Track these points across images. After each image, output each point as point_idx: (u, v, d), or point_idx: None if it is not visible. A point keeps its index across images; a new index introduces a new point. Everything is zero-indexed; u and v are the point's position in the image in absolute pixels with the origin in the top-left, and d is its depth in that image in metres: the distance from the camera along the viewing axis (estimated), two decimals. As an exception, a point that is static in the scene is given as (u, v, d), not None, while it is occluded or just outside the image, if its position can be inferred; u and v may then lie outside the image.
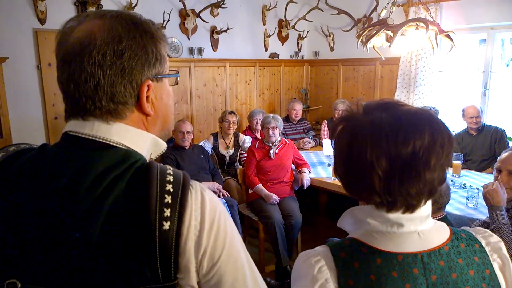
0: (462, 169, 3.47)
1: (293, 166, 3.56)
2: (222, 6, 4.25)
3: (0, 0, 2.95)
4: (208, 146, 3.92)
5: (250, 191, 3.45)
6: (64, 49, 0.65)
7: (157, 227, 0.59)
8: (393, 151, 0.70)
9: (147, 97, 0.67)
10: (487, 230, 0.85)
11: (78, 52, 0.63)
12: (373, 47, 3.35)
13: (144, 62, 0.66)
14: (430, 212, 0.79)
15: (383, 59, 3.66)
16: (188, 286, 0.63)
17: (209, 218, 0.63)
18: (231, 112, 4.00)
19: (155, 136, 0.72)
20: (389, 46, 3.10)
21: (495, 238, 0.82)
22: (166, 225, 0.60)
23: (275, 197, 3.26)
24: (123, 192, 0.60)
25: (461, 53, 4.40)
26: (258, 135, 4.27)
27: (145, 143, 0.69)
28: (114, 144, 0.65)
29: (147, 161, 0.66)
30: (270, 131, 3.37)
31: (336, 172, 0.82)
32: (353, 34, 4.71)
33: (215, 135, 4.04)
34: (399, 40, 3.25)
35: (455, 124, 4.13)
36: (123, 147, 0.65)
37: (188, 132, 3.45)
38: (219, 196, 3.26)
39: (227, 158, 3.98)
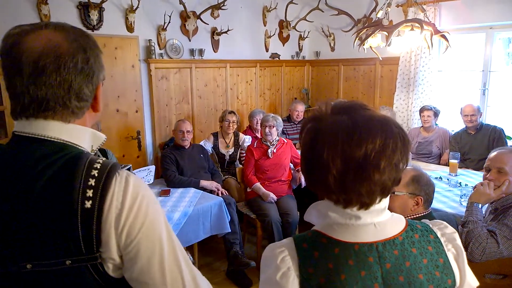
0: (460, 168, 3.50)
1: (291, 165, 3.61)
2: (222, 8, 4.31)
3: (4, 4, 3.04)
4: (208, 146, 3.99)
5: (248, 189, 3.51)
6: (29, 56, 0.72)
7: (79, 205, 0.69)
8: (348, 152, 0.75)
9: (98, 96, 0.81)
10: (444, 222, 0.89)
11: (52, 60, 0.72)
12: (370, 47, 3.39)
13: (99, 67, 0.80)
14: (387, 205, 0.84)
15: (380, 59, 3.69)
16: (110, 259, 0.73)
17: (130, 199, 0.73)
18: (231, 112, 4.06)
19: (93, 129, 0.82)
20: (386, 46, 3.13)
21: (450, 229, 0.87)
22: (88, 204, 0.69)
23: (272, 196, 3.32)
24: (52, 177, 0.71)
25: (461, 52, 4.41)
26: (259, 135, 4.32)
27: (84, 136, 0.80)
28: (51, 139, 0.75)
29: (83, 153, 0.76)
30: (267, 129, 3.43)
31: (301, 168, 0.87)
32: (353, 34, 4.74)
33: (215, 135, 4.11)
34: (396, 40, 3.29)
35: (455, 123, 4.15)
36: (60, 141, 0.76)
37: (188, 131, 3.52)
38: (217, 194, 3.32)
39: (227, 157, 4.05)
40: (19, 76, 0.73)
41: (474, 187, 2.01)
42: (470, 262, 1.80)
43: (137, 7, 3.66)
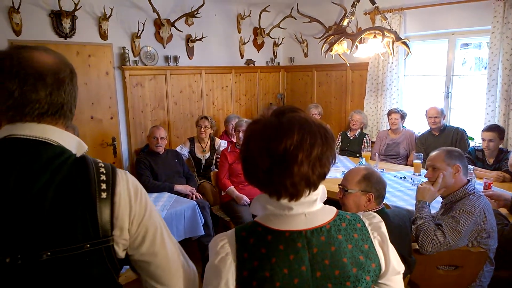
0: (424, 167, 3.67)
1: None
2: (196, 15, 4.39)
3: (-25, 13, 3.05)
4: (185, 150, 4.05)
5: (223, 193, 3.58)
6: (33, 69, 0.83)
7: (97, 196, 0.83)
8: (272, 148, 0.85)
9: None
10: (372, 213, 0.99)
11: (68, 74, 0.88)
12: (338, 54, 3.54)
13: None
14: (319, 197, 0.93)
15: (348, 65, 3.84)
16: (123, 240, 0.87)
17: (133, 191, 0.90)
18: (204, 117, 4.14)
19: (79, 139, 0.94)
20: (350, 53, 3.28)
21: (377, 218, 0.97)
22: (104, 195, 0.84)
23: (245, 199, 3.40)
24: (68, 174, 0.83)
25: (426, 58, 4.61)
26: (235, 140, 4.40)
27: (73, 143, 0.91)
28: (51, 142, 0.86)
29: (84, 155, 0.89)
30: (241, 134, 3.53)
31: (241, 167, 0.97)
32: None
33: (191, 140, 4.17)
34: (361, 47, 3.44)
35: (421, 126, 4.33)
36: (57, 145, 0.86)
37: (162, 138, 3.57)
38: (192, 198, 3.38)
39: (203, 162, 4.12)
40: (42, 85, 0.83)
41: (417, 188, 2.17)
42: (423, 255, 1.93)
43: (110, 15, 3.71)
